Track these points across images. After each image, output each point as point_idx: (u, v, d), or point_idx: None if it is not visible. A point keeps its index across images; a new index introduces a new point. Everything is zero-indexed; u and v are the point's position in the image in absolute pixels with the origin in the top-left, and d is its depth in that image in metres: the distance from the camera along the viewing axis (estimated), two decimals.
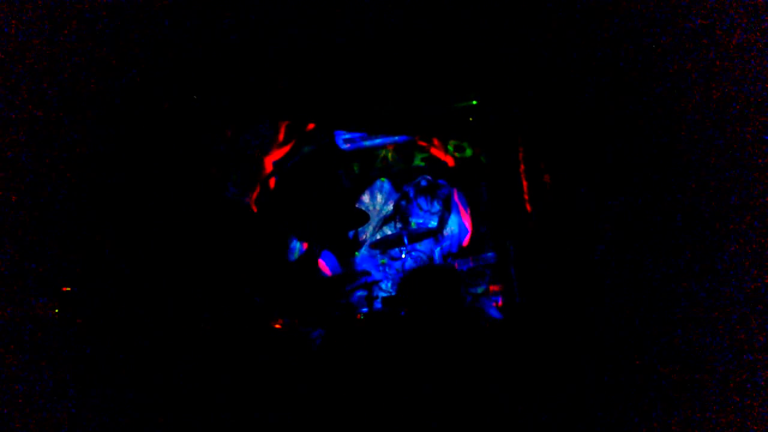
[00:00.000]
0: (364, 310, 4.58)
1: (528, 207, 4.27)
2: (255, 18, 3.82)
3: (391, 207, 5.83)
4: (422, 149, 5.98)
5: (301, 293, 4.39)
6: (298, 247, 5.06)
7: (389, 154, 5.96)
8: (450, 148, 5.92)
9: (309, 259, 4.74)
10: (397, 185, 5.91)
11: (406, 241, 4.80)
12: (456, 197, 5.78)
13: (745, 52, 2.98)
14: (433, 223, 5.64)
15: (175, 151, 3.85)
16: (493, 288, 5.24)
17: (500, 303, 5.04)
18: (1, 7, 2.94)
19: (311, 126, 5.41)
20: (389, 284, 5.51)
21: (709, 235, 3.07)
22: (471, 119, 5.18)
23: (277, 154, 5.17)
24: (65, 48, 3.14)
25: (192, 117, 4.06)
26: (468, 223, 5.73)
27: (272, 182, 5.02)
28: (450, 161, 5.94)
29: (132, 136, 3.55)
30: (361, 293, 4.87)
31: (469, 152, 5.88)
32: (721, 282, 2.98)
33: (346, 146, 5.73)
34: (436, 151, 5.96)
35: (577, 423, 3.02)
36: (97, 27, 3.28)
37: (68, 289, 3.12)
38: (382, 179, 5.92)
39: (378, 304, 4.61)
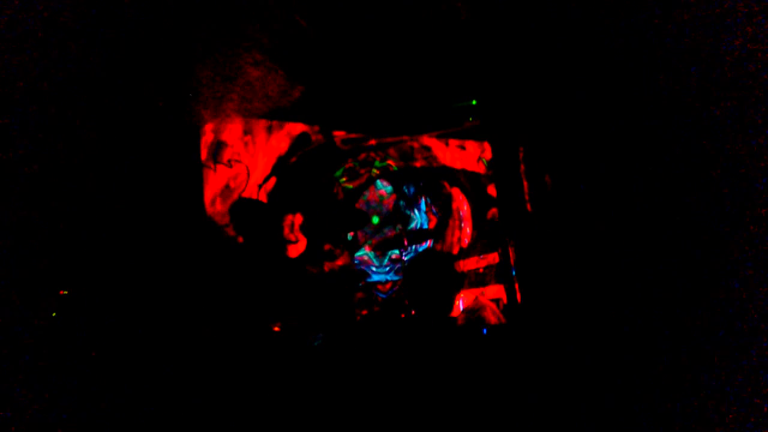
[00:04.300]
0: (364, 312, 4.55)
1: (529, 207, 4.24)
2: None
3: (390, 207, 5.78)
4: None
5: (301, 295, 4.35)
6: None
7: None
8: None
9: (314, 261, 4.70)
10: (396, 185, 5.87)
11: (405, 242, 4.77)
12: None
13: (748, 54, 2.97)
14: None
15: (169, 149, 3.82)
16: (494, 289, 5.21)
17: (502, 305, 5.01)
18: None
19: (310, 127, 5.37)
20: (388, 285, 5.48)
21: (713, 235, 3.07)
22: (470, 119, 5.15)
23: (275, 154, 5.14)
24: (58, 45, 3.09)
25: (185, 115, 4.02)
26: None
27: (271, 183, 4.98)
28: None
29: (128, 135, 3.52)
30: (360, 295, 4.84)
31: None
32: (723, 280, 2.97)
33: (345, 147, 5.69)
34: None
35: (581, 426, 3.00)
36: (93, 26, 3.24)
37: (65, 292, 3.08)
38: (381, 179, 5.88)
39: (378, 306, 4.58)
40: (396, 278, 5.22)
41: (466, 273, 5.18)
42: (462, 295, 5.20)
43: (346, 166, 5.65)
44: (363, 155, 5.77)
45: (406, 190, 5.74)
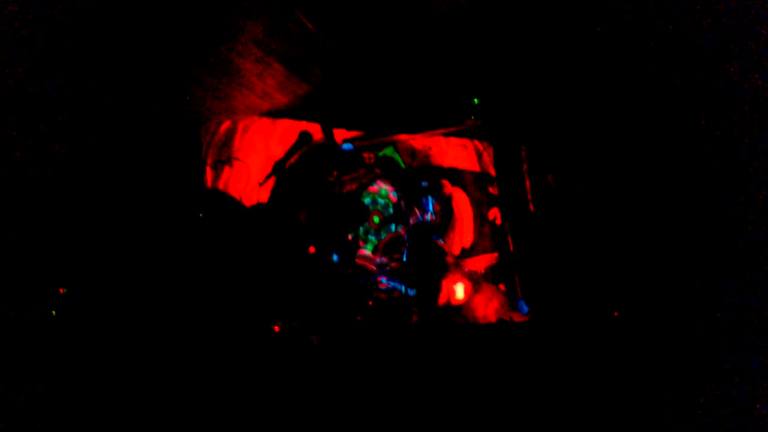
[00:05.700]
0: (365, 310, 4.54)
1: (531, 207, 4.24)
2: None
3: (391, 207, 5.78)
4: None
5: (308, 297, 4.35)
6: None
7: (394, 155, 5.91)
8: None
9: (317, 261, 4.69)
10: (397, 185, 5.85)
11: (406, 241, 4.76)
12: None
13: (750, 55, 2.97)
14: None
15: (170, 151, 3.82)
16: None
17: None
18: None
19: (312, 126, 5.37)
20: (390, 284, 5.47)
21: (713, 235, 3.07)
22: (473, 118, 5.15)
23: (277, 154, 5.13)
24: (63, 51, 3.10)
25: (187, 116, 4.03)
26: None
27: (271, 182, 4.98)
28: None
29: (128, 136, 3.52)
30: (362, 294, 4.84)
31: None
32: (723, 279, 2.98)
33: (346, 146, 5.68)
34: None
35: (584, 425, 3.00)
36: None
37: (64, 290, 3.09)
38: (382, 179, 5.86)
39: (379, 304, 4.58)
40: (395, 283, 5.21)
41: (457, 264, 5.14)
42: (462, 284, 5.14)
43: (347, 165, 5.64)
44: (364, 154, 5.77)
45: (407, 190, 5.73)
